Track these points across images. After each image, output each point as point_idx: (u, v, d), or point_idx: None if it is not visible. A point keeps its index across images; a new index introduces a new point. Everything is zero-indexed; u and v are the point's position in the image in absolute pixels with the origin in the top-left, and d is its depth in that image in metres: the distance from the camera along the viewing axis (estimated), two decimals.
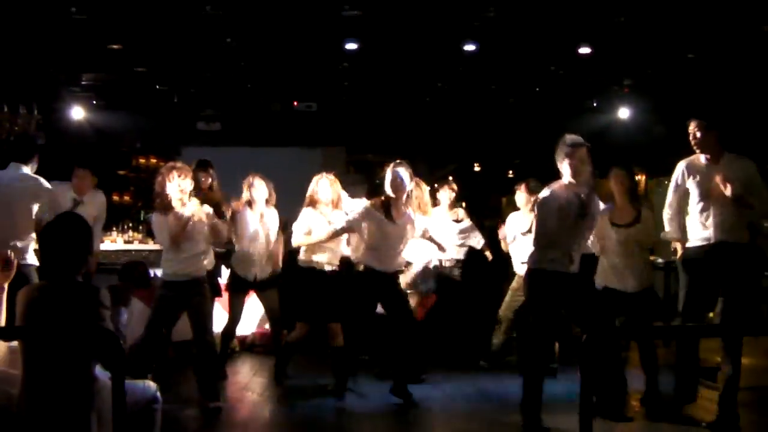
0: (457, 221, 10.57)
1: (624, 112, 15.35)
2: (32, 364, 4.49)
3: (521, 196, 9.60)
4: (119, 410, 3.96)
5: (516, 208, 9.87)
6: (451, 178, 16.02)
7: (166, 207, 7.54)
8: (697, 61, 12.37)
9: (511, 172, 19.56)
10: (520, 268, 9.52)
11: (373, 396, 8.60)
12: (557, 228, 7.03)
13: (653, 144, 15.99)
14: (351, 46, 11.10)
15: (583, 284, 7.51)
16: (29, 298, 4.62)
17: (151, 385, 5.15)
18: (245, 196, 9.29)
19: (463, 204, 10.78)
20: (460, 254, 10.57)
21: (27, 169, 8.01)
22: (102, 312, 4.53)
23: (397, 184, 8.10)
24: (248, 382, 9.32)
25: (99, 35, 11.52)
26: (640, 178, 17.63)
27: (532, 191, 9.37)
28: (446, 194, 10.60)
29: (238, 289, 9.44)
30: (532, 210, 9.38)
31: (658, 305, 8.36)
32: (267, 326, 10.97)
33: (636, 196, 8.14)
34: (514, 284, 9.75)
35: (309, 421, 7.78)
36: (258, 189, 9.28)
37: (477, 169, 20.14)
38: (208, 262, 8.42)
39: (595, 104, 15.61)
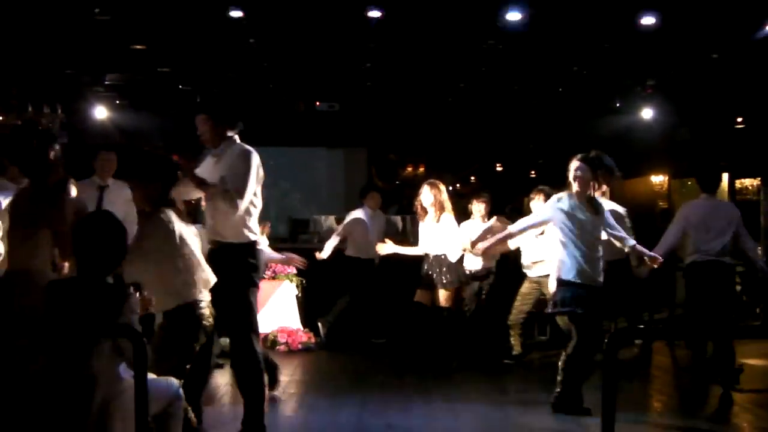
0: None
1: (647, 113, 15.27)
2: (56, 360, 4.51)
3: (538, 203, 9.57)
4: (141, 410, 3.98)
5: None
6: (473, 178, 16.07)
7: None
8: (721, 62, 12.30)
9: (533, 172, 19.53)
10: (531, 270, 9.67)
11: (392, 391, 8.67)
12: None
13: (676, 145, 15.95)
14: (374, 14, 10.64)
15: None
16: (55, 293, 4.64)
17: (174, 382, 5.15)
18: None
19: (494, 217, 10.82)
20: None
21: None
22: (129, 315, 4.53)
23: None
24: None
25: (122, 36, 11.57)
26: (664, 178, 17.61)
27: (549, 197, 9.48)
28: (478, 207, 10.75)
29: None
30: None
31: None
32: (288, 324, 11.08)
33: None
34: (524, 289, 9.84)
35: (328, 419, 7.78)
36: None
37: (499, 169, 20.13)
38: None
39: (618, 105, 15.54)
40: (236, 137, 6.60)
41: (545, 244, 9.29)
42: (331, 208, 16.34)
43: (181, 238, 5.83)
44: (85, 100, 14.78)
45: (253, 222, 6.48)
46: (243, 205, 6.23)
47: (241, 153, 6.47)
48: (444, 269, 9.72)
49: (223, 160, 6.49)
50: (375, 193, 12.11)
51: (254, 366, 6.45)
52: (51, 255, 5.71)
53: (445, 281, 9.70)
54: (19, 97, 12.47)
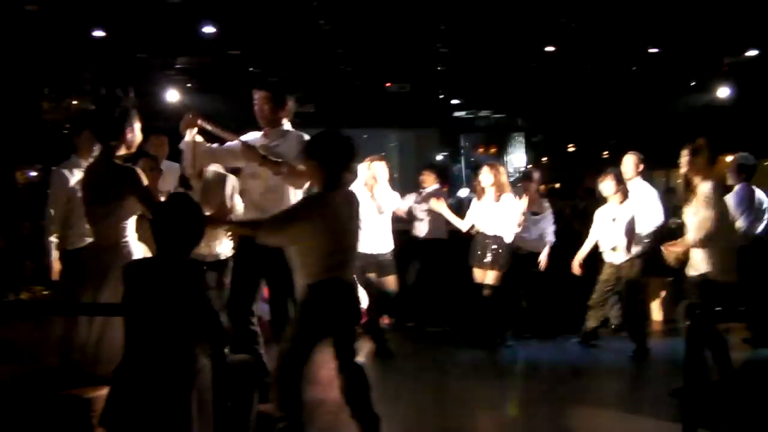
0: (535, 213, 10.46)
1: (723, 92, 15.01)
2: (134, 340, 4.52)
3: (609, 184, 9.40)
4: (219, 389, 3.97)
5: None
6: (545, 159, 15.94)
7: None
8: None
9: (606, 152, 19.32)
10: (609, 256, 9.45)
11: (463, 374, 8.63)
12: None
13: (753, 124, 15.67)
14: None
15: None
16: (136, 272, 4.65)
17: (250, 361, 5.16)
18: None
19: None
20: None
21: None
22: (207, 293, 4.53)
23: None
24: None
25: (193, 19, 11.64)
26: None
27: (619, 180, 9.29)
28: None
29: None
30: (622, 199, 9.27)
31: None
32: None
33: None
34: (603, 276, 9.60)
35: (402, 398, 7.74)
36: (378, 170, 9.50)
37: (571, 149, 19.95)
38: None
39: (693, 84, 15.32)
40: (288, 122, 6.68)
41: (622, 229, 9.18)
42: (403, 189, 16.34)
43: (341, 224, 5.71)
44: (157, 83, 14.91)
45: None
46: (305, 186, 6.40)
47: (301, 138, 6.50)
48: (499, 249, 9.68)
49: (276, 141, 6.53)
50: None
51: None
52: (131, 226, 5.75)
53: (498, 261, 9.67)
54: (92, 81, 12.63)
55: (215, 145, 6.83)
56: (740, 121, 15.50)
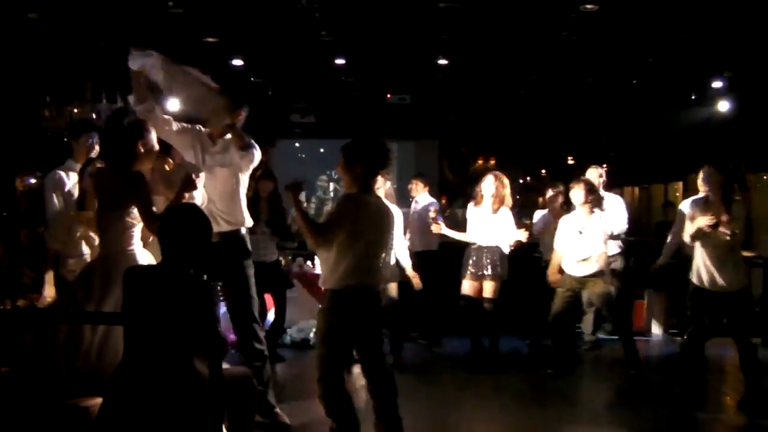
0: None
1: (724, 105, 14.99)
2: (132, 347, 4.50)
3: (579, 193, 9.23)
4: (216, 401, 3.97)
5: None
6: (543, 171, 15.92)
7: None
8: None
9: (606, 165, 19.29)
10: (572, 268, 9.20)
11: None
12: None
13: (753, 138, 15.67)
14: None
15: None
16: (137, 279, 4.64)
17: (247, 372, 5.15)
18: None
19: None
20: None
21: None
22: (210, 307, 4.51)
23: None
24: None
25: (195, 29, 11.64)
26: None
27: (591, 190, 9.13)
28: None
29: None
30: (592, 210, 9.13)
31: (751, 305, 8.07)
32: None
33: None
34: (567, 286, 9.35)
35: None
36: None
37: (571, 162, 19.91)
38: None
39: (693, 97, 15.30)
40: None
41: (590, 241, 8.99)
42: (402, 200, 16.30)
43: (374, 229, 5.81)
44: (157, 92, 14.88)
45: None
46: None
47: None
48: (497, 260, 9.58)
49: (220, 152, 6.55)
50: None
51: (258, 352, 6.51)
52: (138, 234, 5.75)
53: (496, 273, 9.57)
54: (93, 90, 12.61)
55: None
56: (740, 135, 15.52)
